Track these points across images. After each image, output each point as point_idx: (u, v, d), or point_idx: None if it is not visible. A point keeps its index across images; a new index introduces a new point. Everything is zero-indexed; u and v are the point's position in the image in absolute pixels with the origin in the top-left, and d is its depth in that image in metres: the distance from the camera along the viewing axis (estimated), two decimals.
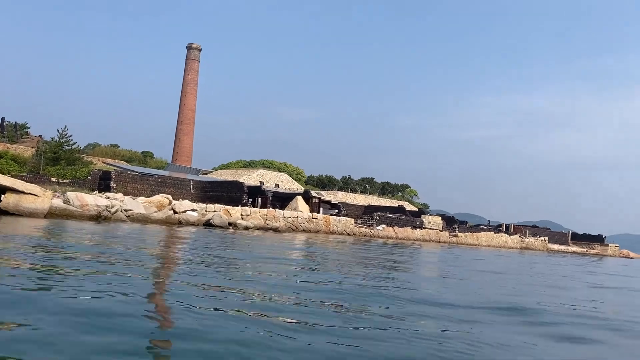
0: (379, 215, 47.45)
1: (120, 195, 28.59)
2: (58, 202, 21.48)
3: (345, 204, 64.99)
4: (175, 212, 29.75)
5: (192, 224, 27.60)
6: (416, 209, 66.95)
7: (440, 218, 52.99)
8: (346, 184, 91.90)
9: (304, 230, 38.94)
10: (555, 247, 70.50)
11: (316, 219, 40.18)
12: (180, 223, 27.20)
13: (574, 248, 74.28)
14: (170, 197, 31.33)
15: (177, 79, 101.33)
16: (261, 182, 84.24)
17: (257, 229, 31.27)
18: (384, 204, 69.35)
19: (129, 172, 53.73)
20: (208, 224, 27.99)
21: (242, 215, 35.24)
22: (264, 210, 37.83)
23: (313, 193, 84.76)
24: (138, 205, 25.78)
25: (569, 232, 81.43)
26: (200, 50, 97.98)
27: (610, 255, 74.64)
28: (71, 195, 22.28)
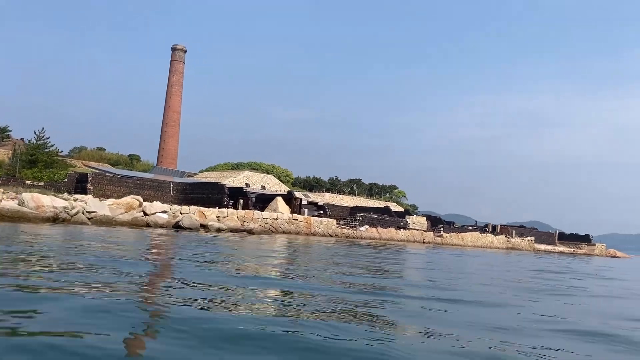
0: (362, 216, 46.39)
1: (88, 197, 27.32)
2: (10, 204, 20.15)
3: (331, 205, 63.91)
4: (145, 214, 28.52)
5: (161, 226, 26.35)
6: (402, 210, 65.98)
7: (424, 219, 52.04)
8: (333, 186, 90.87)
9: (283, 232, 37.75)
10: (542, 247, 69.84)
11: (297, 220, 39.03)
12: (148, 225, 25.96)
13: (561, 248, 73.69)
14: (140, 198, 30.05)
15: (162, 80, 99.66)
16: (247, 184, 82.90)
17: (231, 231, 30.06)
18: (370, 205, 68.34)
19: (107, 174, 52.31)
20: (177, 226, 26.77)
21: (218, 217, 34.04)
22: (242, 212, 36.64)
23: (297, 194, 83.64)
24: (103, 206, 24.50)
25: (555, 232, 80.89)
26: (185, 51, 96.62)
27: (597, 255, 74.12)
28: (26, 196, 20.98)
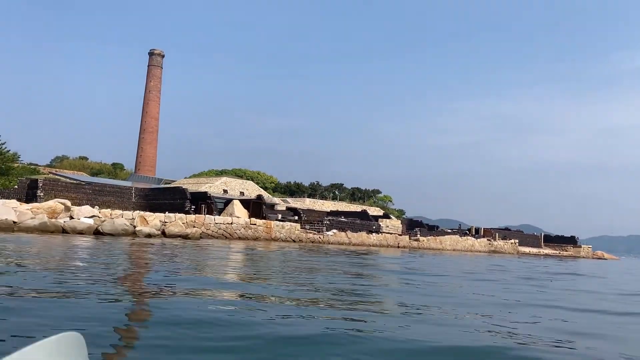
0: (329, 220, 43.01)
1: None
2: None
3: (308, 211, 60.59)
4: (72, 218, 25.17)
5: (81, 233, 22.93)
6: (380, 214, 62.59)
7: (399, 222, 48.69)
8: (315, 191, 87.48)
9: (239, 238, 34.35)
10: (527, 249, 66.61)
11: (255, 224, 35.62)
12: (65, 231, 22.54)
13: (547, 250, 70.47)
14: (68, 202, 26.63)
15: (141, 86, 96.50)
16: (225, 191, 79.53)
17: (166, 237, 26.66)
18: (347, 210, 65.02)
19: (61, 180, 48.88)
20: (97, 232, 23.35)
21: (162, 221, 30.65)
22: (192, 217, 33.22)
23: (276, 199, 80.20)
24: (8, 211, 21.11)
25: (541, 234, 77.70)
26: (163, 56, 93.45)
27: (584, 257, 70.99)
28: None
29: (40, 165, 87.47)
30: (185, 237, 26.29)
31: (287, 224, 38.02)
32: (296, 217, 50.09)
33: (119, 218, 26.06)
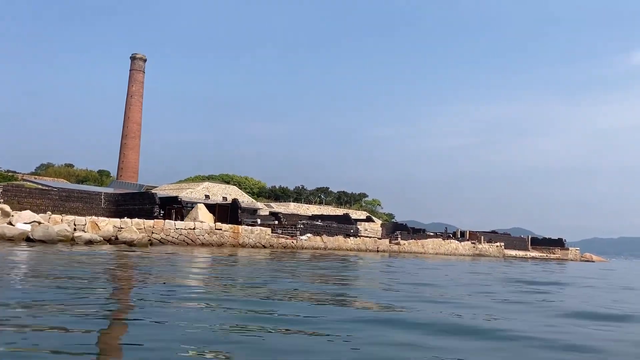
0: (303, 224, 40.83)
1: None
2: None
3: (291, 215, 58.44)
4: (11, 225, 22.91)
5: (10, 239, 20.67)
6: (363, 217, 60.44)
7: (379, 225, 46.54)
8: (300, 195, 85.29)
9: (203, 244, 32.11)
10: (513, 252, 64.64)
11: (220, 230, 33.39)
12: None
13: (533, 253, 68.50)
14: (7, 207, 24.37)
15: (123, 91, 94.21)
16: (207, 196, 77.28)
17: (110, 243, 24.41)
18: (330, 213, 62.85)
19: (25, 186, 46.52)
20: (29, 239, 21.10)
21: (116, 227, 28.41)
22: (150, 222, 30.96)
23: (259, 204, 77.95)
24: None
25: (528, 236, 75.76)
26: (145, 60, 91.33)
27: (572, 259, 69.08)
28: None
29: (19, 173, 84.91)
30: (130, 243, 24.00)
31: (257, 229, 35.82)
32: (276, 222, 47.99)
33: (60, 224, 23.79)
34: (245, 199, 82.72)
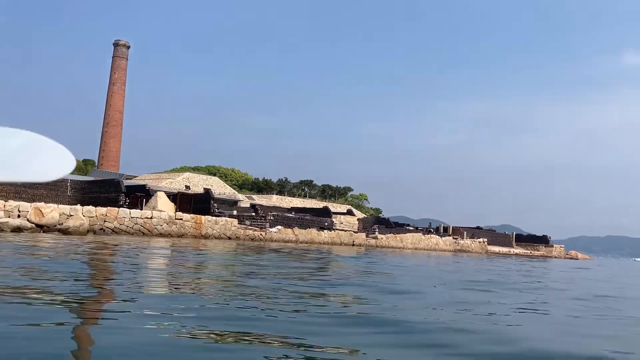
0: (273, 215, 38.69)
1: None
2: None
3: (273, 207, 56.25)
4: None
5: None
6: (344, 210, 58.37)
7: (355, 218, 44.47)
8: (283, 187, 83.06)
9: (161, 234, 29.90)
10: (497, 249, 62.83)
11: (181, 219, 31.17)
12: None
13: (517, 250, 66.80)
14: None
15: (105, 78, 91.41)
16: (187, 187, 74.83)
17: (44, 231, 22.18)
18: (309, 206, 60.76)
19: None
20: None
21: (65, 214, 26.16)
22: (102, 210, 28.70)
23: (240, 196, 75.72)
24: None
25: (512, 233, 74.04)
26: (128, 47, 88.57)
27: (556, 257, 67.47)
28: None
29: None
30: (65, 231, 21.78)
31: (222, 219, 33.62)
32: (253, 214, 45.84)
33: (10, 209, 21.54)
34: (227, 191, 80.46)
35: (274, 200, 78.18)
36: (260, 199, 78.22)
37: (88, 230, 25.66)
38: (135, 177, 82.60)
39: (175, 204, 34.80)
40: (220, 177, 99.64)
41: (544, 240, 70.75)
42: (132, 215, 29.28)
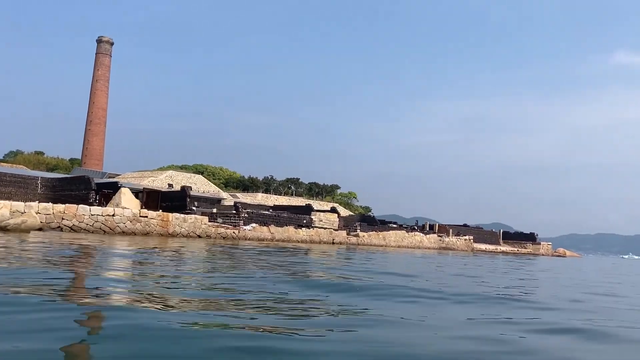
0: (248, 212, 37.10)
1: None
2: None
3: (253, 205, 54.62)
4: None
5: None
6: (328, 208, 56.79)
7: (335, 215, 42.92)
8: (269, 185, 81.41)
9: (124, 232, 28.25)
10: (483, 246, 61.55)
11: (146, 217, 29.51)
12: None
13: (504, 247, 65.55)
14: None
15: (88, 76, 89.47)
16: (170, 185, 72.96)
17: None
18: (293, 204, 59.23)
19: None
20: None
21: (18, 211, 24.52)
22: (60, 207, 27.05)
23: (224, 194, 74.00)
24: None
25: (500, 230, 72.77)
26: (112, 44, 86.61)
27: (543, 254, 66.25)
28: None
29: None
30: (4, 229, 20.10)
31: (192, 217, 31.98)
32: (234, 212, 44.23)
33: None
34: (211, 189, 78.75)
35: (259, 198, 76.55)
36: (245, 197, 76.51)
37: (40, 228, 23.99)
38: (119, 175, 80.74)
39: (141, 201, 33.11)
40: (208, 175, 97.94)
41: (531, 238, 69.53)
42: (93, 213, 27.61)
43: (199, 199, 66.41)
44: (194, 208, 40.31)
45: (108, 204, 31.69)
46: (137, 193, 34.51)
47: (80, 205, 27.65)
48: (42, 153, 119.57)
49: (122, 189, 32.33)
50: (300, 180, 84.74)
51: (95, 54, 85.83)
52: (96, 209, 27.91)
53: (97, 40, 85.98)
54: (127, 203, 30.54)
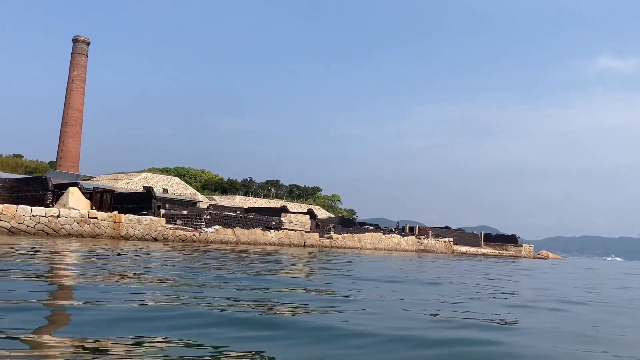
0: (210, 214, 35.10)
1: None
2: None
3: (225, 207, 52.61)
4: None
5: None
6: (304, 210, 54.88)
7: (308, 217, 41.03)
8: (248, 188, 79.31)
9: (70, 235, 26.13)
10: (464, 249, 59.97)
11: (95, 218, 27.40)
12: None
13: (485, 250, 64.04)
14: None
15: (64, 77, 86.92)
16: (145, 187, 70.57)
17: None
18: (267, 206, 57.26)
19: None
20: None
21: None
22: None
23: (200, 197, 71.87)
24: None
25: (481, 232, 71.29)
26: (88, 43, 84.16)
27: (525, 257, 64.85)
28: None
29: None
30: None
31: (147, 219, 29.89)
32: (207, 215, 42.14)
33: None
34: (188, 191, 76.47)
35: (237, 200, 74.46)
36: (223, 200, 74.38)
37: None
38: (94, 177, 78.23)
39: (91, 201, 30.96)
40: (189, 178, 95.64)
41: (512, 240, 68.14)
42: (34, 214, 25.45)
43: (174, 201, 64.22)
44: (162, 211, 38.21)
45: (55, 205, 29.51)
46: (90, 194, 32.36)
47: (20, 206, 25.47)
48: (20, 156, 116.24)
49: (70, 188, 30.17)
50: (280, 182, 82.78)
51: (71, 53, 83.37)
52: (38, 210, 25.75)
53: (72, 40, 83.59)
54: (75, 203, 28.40)
